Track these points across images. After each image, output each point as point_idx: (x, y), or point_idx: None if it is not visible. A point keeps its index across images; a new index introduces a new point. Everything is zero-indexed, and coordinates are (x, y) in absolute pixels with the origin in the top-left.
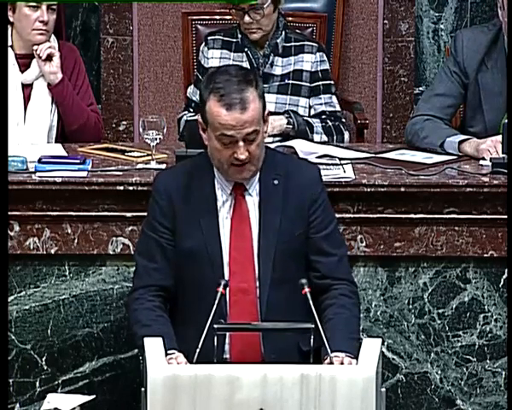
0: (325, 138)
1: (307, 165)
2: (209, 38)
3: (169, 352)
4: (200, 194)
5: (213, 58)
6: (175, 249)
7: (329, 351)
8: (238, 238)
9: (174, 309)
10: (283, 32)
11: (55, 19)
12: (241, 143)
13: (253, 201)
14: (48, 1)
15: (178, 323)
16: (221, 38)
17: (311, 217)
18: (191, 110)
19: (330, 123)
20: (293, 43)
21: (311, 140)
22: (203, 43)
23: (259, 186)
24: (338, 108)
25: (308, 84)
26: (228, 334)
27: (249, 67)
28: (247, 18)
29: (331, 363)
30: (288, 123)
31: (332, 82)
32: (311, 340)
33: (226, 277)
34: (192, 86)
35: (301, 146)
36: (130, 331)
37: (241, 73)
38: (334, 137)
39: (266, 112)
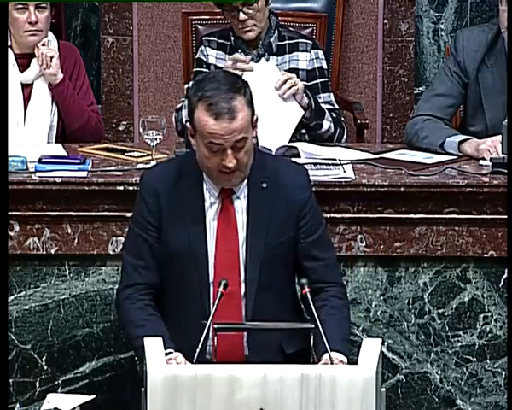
0: (333, 128)
1: (296, 169)
2: (204, 38)
3: (166, 351)
4: (188, 194)
5: (211, 56)
6: (161, 248)
7: (329, 349)
8: (224, 241)
9: (157, 308)
10: (276, 31)
11: (46, 16)
12: (229, 151)
13: (240, 204)
14: (48, 0)
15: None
16: (215, 39)
17: (300, 222)
18: None
19: (334, 115)
20: (287, 42)
21: (321, 126)
22: (201, 44)
23: (248, 189)
24: (336, 106)
25: (305, 83)
26: (211, 335)
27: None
28: (242, 15)
29: (331, 362)
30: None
31: (327, 79)
32: (312, 340)
33: (211, 279)
34: (191, 82)
35: (304, 147)
36: (123, 331)
37: (230, 80)
38: (338, 130)
39: (255, 118)
